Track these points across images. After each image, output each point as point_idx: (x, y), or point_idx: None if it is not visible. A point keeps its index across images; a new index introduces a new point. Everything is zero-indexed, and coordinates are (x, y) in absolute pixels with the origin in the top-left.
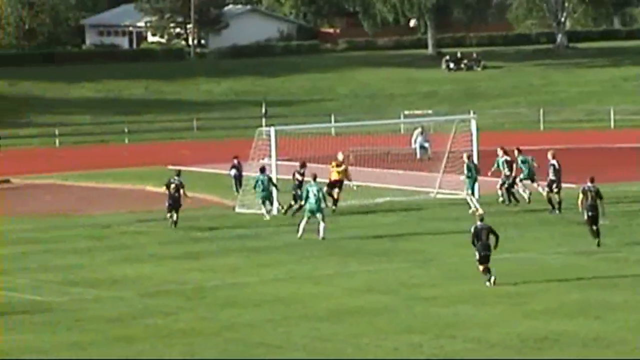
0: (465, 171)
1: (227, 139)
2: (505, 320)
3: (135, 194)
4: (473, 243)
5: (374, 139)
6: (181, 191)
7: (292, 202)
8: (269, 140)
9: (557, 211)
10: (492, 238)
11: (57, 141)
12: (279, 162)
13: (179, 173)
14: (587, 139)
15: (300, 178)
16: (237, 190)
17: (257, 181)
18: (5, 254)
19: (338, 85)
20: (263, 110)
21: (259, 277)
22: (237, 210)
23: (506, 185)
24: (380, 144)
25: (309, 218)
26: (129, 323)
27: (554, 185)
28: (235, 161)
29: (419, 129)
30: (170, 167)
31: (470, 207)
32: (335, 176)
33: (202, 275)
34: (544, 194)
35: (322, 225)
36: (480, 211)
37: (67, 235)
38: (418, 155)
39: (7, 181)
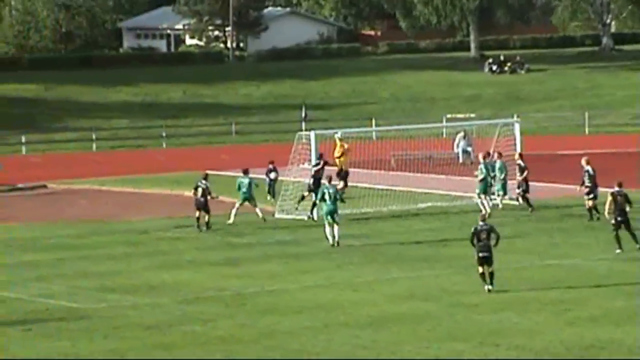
0: (484, 172)
1: (266, 144)
2: (550, 327)
3: (172, 200)
4: (472, 243)
5: (415, 143)
6: (208, 196)
7: (304, 194)
8: (309, 144)
9: (596, 217)
10: (493, 238)
11: (94, 146)
12: (318, 167)
13: (205, 176)
14: (633, 142)
15: (317, 168)
16: (274, 196)
17: (238, 183)
18: (41, 260)
19: (379, 88)
20: (303, 114)
21: (299, 284)
22: (277, 215)
23: (520, 191)
24: (422, 148)
25: (329, 223)
26: (167, 330)
27: (587, 192)
28: (271, 166)
29: (462, 133)
30: (209, 172)
31: (483, 209)
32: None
33: (241, 282)
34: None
35: (336, 228)
36: (485, 211)
37: (103, 241)
38: (460, 160)
39: (44, 186)
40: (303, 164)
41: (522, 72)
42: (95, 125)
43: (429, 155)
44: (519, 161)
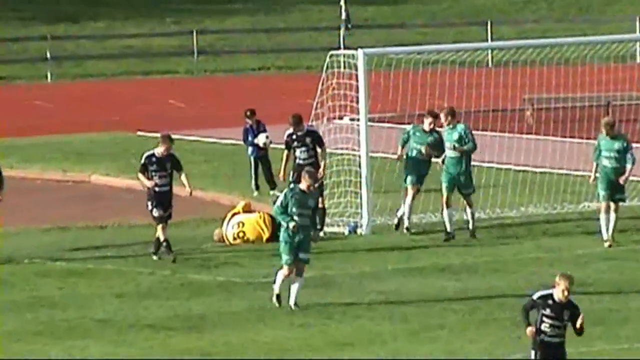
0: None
1: (263, 75)
2: None
3: (68, 191)
4: (527, 319)
5: (577, 74)
6: (183, 178)
7: None
8: (354, 75)
9: None
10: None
11: None
12: (373, 123)
13: (167, 138)
14: None
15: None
16: (257, 184)
17: None
18: None
19: None
20: (343, 16)
21: None
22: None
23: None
24: (590, 89)
25: (288, 264)
26: None
27: None
28: (251, 122)
29: None
30: (141, 133)
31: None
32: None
33: None
34: None
35: (297, 283)
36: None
37: None
38: None
39: None
40: (340, 117)
41: None
42: None
43: (606, 101)
44: None
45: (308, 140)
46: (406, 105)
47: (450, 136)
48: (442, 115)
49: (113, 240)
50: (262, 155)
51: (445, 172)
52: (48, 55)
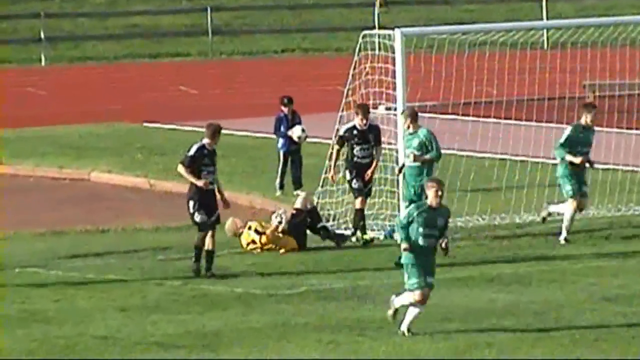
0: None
1: (287, 57)
2: None
3: (65, 190)
4: None
5: None
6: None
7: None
8: (390, 59)
9: None
10: None
11: None
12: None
13: (216, 131)
14: None
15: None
16: (282, 183)
17: None
18: None
19: None
20: None
21: None
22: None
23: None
24: None
25: (421, 287)
26: None
27: None
28: (286, 109)
29: None
30: (147, 124)
31: None
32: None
33: None
34: None
35: (417, 309)
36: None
37: None
38: None
39: None
40: (374, 107)
41: None
42: None
43: None
44: None
45: (370, 136)
46: (449, 93)
47: (409, 143)
48: (402, 118)
49: (116, 247)
50: (294, 150)
51: (405, 186)
52: (42, 35)
